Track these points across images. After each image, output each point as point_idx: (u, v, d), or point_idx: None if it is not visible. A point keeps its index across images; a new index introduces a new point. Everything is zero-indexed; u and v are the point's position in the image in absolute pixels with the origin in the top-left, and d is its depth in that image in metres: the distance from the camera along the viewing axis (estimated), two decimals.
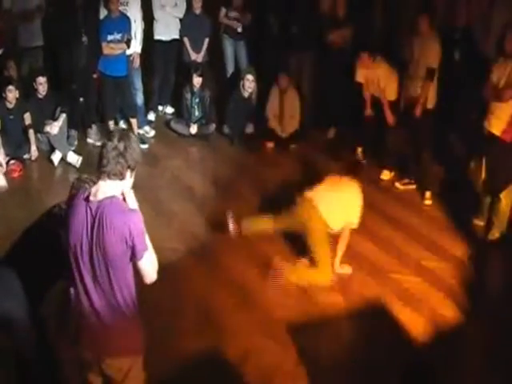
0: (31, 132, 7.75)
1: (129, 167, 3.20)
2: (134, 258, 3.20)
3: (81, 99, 8.32)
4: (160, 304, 5.21)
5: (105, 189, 3.19)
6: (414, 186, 7.40)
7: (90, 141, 8.36)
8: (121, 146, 3.16)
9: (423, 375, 3.54)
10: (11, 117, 7.63)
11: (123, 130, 3.32)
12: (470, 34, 8.02)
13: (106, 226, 3.12)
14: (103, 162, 3.18)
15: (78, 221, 3.20)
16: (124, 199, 3.24)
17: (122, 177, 3.20)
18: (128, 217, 3.15)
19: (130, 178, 3.26)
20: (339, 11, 8.53)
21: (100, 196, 3.18)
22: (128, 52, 8.21)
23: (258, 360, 4.78)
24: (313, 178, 5.90)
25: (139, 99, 8.59)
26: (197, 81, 8.55)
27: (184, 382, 4.57)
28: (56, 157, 7.72)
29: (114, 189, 3.21)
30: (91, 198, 3.18)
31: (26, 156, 7.77)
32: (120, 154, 3.15)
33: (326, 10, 8.69)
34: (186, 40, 8.86)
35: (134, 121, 8.39)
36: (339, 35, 8.47)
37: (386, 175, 7.64)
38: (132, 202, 3.25)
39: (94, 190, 3.22)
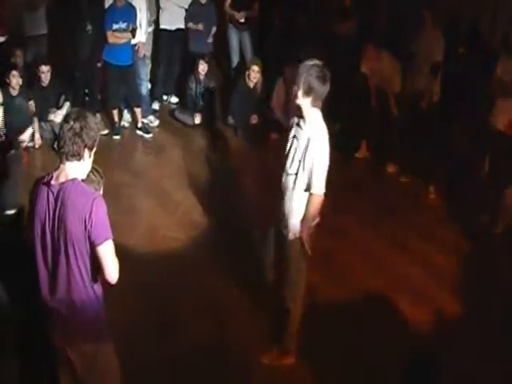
0: (35, 120, 7.73)
1: (86, 146, 3.23)
2: (93, 242, 3.19)
3: (85, 88, 8.31)
4: (158, 290, 5.26)
5: (66, 171, 3.23)
6: (418, 180, 7.38)
7: None
8: (77, 126, 3.20)
9: (427, 370, 3.53)
10: None
11: (80, 110, 3.34)
12: (477, 26, 7.98)
13: (67, 207, 3.15)
14: (61, 143, 3.23)
15: (40, 205, 3.24)
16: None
17: (79, 157, 3.23)
18: (90, 199, 3.17)
19: (88, 159, 3.29)
20: (346, 3, 8.50)
21: (62, 179, 3.22)
22: (133, 41, 8.15)
23: (258, 350, 4.76)
24: None
25: (144, 88, 8.54)
26: (202, 68, 8.49)
27: (179, 369, 4.57)
28: None
29: (75, 171, 3.24)
30: (52, 182, 3.22)
31: (29, 144, 7.75)
32: (76, 133, 3.19)
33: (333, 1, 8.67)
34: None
35: (138, 110, 8.35)
36: (345, 27, 8.43)
37: (391, 168, 7.61)
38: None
39: (55, 173, 3.25)
